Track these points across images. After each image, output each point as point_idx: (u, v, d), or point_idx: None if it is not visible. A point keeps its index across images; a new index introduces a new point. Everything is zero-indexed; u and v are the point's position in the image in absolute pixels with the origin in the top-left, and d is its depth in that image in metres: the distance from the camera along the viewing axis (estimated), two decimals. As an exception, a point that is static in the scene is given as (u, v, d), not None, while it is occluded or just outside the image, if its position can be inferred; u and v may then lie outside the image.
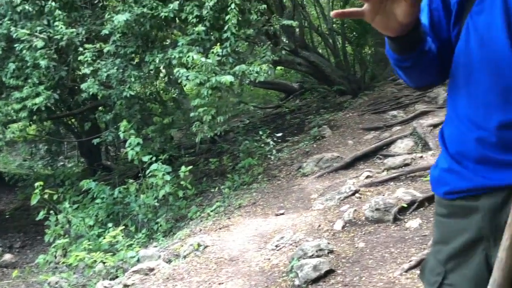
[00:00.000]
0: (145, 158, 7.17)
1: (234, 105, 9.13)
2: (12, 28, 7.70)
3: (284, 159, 8.33)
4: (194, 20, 7.50)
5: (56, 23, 7.65)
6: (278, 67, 14.02)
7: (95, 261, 5.90)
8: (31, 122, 8.86)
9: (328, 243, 4.66)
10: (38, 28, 7.81)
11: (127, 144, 7.39)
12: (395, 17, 1.33)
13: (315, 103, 12.81)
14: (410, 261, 4.06)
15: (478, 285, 1.42)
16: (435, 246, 1.57)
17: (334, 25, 13.58)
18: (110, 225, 7.04)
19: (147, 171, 7.11)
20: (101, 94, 7.85)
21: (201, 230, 6.17)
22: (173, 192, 7.09)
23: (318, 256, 4.44)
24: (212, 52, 7.09)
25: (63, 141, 12.66)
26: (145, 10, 7.49)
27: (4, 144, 8.72)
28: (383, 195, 5.48)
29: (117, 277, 5.64)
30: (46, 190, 7.23)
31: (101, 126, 10.69)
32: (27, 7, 7.77)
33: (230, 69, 7.33)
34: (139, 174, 7.59)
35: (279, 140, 9.03)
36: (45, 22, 7.98)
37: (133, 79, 7.73)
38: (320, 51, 14.11)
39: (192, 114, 7.43)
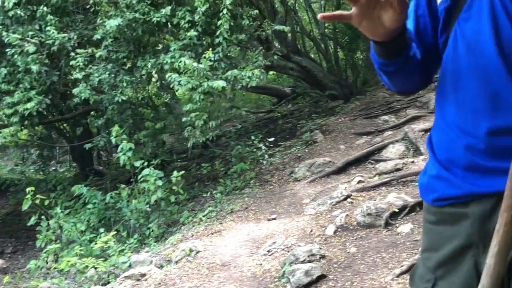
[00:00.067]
0: (137, 163, 7.16)
1: (226, 110, 9.14)
2: (4, 33, 7.68)
3: (276, 164, 8.33)
4: (186, 25, 7.51)
5: (48, 28, 7.64)
6: (270, 72, 14.03)
7: (86, 266, 5.88)
8: (22, 127, 8.83)
9: (320, 248, 4.67)
10: (30, 33, 7.80)
11: (119, 149, 7.38)
12: (382, 23, 1.34)
13: (307, 108, 12.83)
14: (402, 266, 4.07)
15: (467, 291, 1.44)
16: (424, 253, 1.58)
17: (326, 30, 13.63)
18: (101, 230, 7.03)
19: (139, 176, 7.10)
20: (93, 99, 7.85)
21: (193, 235, 6.16)
22: (165, 197, 7.08)
23: (310, 261, 4.45)
24: (204, 57, 7.10)
25: (55, 146, 12.62)
26: (137, 15, 7.49)
27: (-4, 149, 8.70)
28: (375, 200, 5.49)
29: (108, 282, 5.62)
30: (38, 195, 7.20)
31: (93, 131, 10.67)
32: (18, 12, 7.76)
33: (222, 74, 7.34)
34: (131, 179, 7.58)
35: (271, 145, 9.04)
36: (37, 27, 7.97)
37: (125, 84, 7.73)
38: (312, 56, 14.14)
39: (184, 119, 7.43)
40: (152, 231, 6.89)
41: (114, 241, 6.45)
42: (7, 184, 11.29)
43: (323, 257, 4.56)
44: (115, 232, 6.90)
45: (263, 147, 8.39)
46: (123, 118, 8.38)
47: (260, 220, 6.16)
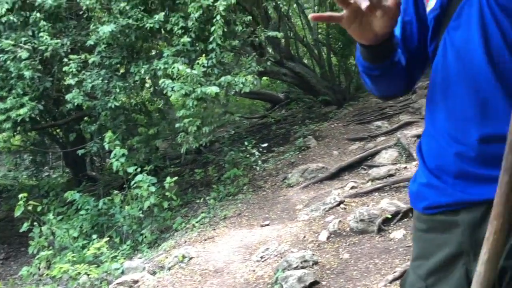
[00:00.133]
0: (130, 169, 7.14)
1: (220, 115, 9.15)
2: (-3, 39, 7.69)
3: (269, 169, 8.34)
4: (180, 31, 7.52)
5: (41, 34, 7.63)
6: (264, 77, 14.05)
7: (79, 273, 5.85)
8: (15, 133, 8.81)
9: (313, 254, 4.67)
10: (23, 39, 7.79)
11: (112, 155, 7.37)
12: (371, 27, 1.35)
13: (300, 113, 12.84)
14: (394, 272, 4.08)
15: (458, 299, 1.44)
16: (415, 261, 1.58)
17: (319, 36, 13.65)
18: (94, 236, 7.00)
19: (132, 182, 7.09)
20: (86, 105, 7.84)
21: (186, 241, 6.16)
22: (158, 203, 7.07)
23: (303, 268, 4.45)
24: (198, 63, 7.11)
25: (48, 151, 12.58)
26: (130, 21, 7.49)
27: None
28: (368, 206, 5.50)
29: (101, 289, 5.62)
30: (30, 202, 7.18)
31: (86, 136, 10.65)
32: (11, 18, 7.75)
33: (215, 80, 7.35)
34: (124, 185, 7.56)
35: (265, 151, 9.05)
36: (30, 33, 7.96)
37: (118, 90, 7.73)
38: (305, 61, 14.16)
39: (177, 125, 7.43)
40: (145, 237, 6.88)
41: (106, 248, 6.43)
42: (-1, 190, 11.27)
43: (316, 263, 4.57)
44: (108, 238, 6.88)
45: (257, 153, 8.39)
46: (116, 124, 8.37)
47: (253, 226, 6.16)
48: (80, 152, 8.92)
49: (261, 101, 16.10)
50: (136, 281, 5.18)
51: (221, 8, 7.24)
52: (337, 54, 13.70)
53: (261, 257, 4.99)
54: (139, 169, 7.20)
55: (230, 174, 8.12)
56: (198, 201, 7.89)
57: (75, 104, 7.79)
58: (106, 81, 7.80)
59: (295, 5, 13.55)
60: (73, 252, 6.69)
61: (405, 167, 6.54)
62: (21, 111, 7.55)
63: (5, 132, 8.34)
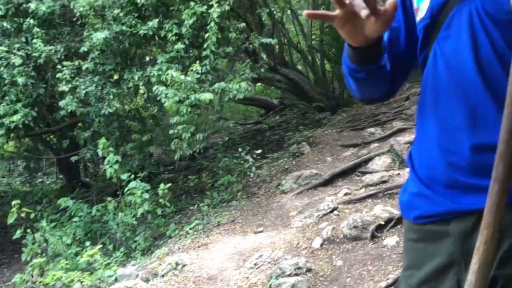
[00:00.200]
0: (124, 176, 7.13)
1: (214, 122, 9.14)
2: (-10, 46, 7.68)
3: (263, 176, 8.34)
4: (174, 38, 7.53)
5: (35, 41, 7.62)
6: (258, 83, 14.08)
7: (72, 280, 5.82)
8: (8, 139, 8.78)
9: (307, 261, 4.67)
10: (16, 46, 7.78)
11: (105, 162, 7.35)
12: (363, 30, 1.35)
13: (294, 120, 12.87)
14: (388, 279, 4.08)
15: (449, 309, 1.44)
16: (406, 271, 1.59)
17: (313, 42, 13.69)
18: (88, 243, 6.97)
19: (126, 189, 7.07)
20: (79, 111, 7.83)
21: (179, 248, 6.14)
22: (152, 210, 7.06)
23: (296, 275, 4.45)
24: (192, 70, 7.11)
25: (41, 158, 12.56)
26: (124, 28, 7.50)
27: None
28: (361, 213, 5.51)
29: (94, 296, 5.60)
30: (23, 209, 7.15)
31: (80, 143, 10.64)
32: (5, 24, 7.75)
33: (209, 87, 7.35)
34: (118, 192, 7.55)
35: (259, 157, 9.05)
36: (23, 39, 7.96)
37: (111, 97, 7.72)
38: (299, 67, 14.20)
39: (171, 132, 7.43)
40: (139, 244, 6.86)
41: (100, 255, 6.41)
42: (-8, 196, 11.23)
43: (309, 270, 4.57)
44: (101, 245, 6.86)
45: (250, 159, 8.39)
46: (110, 131, 8.36)
47: (247, 233, 6.15)
48: (73, 158, 8.90)
49: (256, 107, 16.12)
50: (129, 289, 5.16)
51: (215, 15, 7.26)
52: (330, 61, 13.75)
53: (255, 264, 4.98)
54: (132, 176, 7.19)
55: (224, 181, 8.11)
56: (192, 207, 7.88)
57: (69, 110, 7.77)
58: (99, 88, 7.79)
59: (289, 11, 13.60)
60: (66, 259, 6.66)
61: (398, 174, 6.55)
62: (15, 117, 7.53)
63: (-1, 139, 8.33)
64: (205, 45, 7.49)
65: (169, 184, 7.38)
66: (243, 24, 8.50)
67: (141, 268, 5.88)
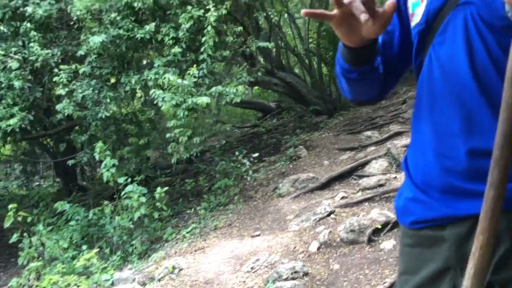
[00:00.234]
0: (121, 180, 7.12)
1: (211, 125, 9.14)
2: (-13, 49, 7.67)
3: (260, 179, 8.34)
4: (171, 41, 7.53)
5: (31, 44, 7.62)
6: (255, 87, 14.09)
7: (69, 284, 5.81)
8: (5, 143, 8.76)
9: (303, 265, 4.67)
10: (13, 49, 7.78)
11: (102, 166, 7.34)
12: (359, 31, 1.35)
13: (291, 123, 12.88)
14: (384, 282, 4.09)
15: (445, 314, 1.44)
16: (402, 276, 1.59)
17: (310, 46, 13.71)
18: (84, 247, 6.96)
19: (123, 193, 7.06)
20: (76, 115, 7.82)
21: (176, 252, 6.14)
22: (149, 214, 7.05)
23: (293, 279, 4.45)
24: (189, 74, 7.11)
25: (38, 161, 12.54)
26: (121, 31, 7.50)
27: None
28: (358, 216, 5.51)
29: (91, 300, 5.59)
30: (20, 212, 7.14)
31: (77, 146, 10.62)
32: (2, 28, 7.75)
33: (206, 90, 7.35)
34: (115, 196, 7.54)
35: (256, 160, 9.04)
36: (20, 43, 7.96)
37: (108, 100, 7.72)
38: (296, 71, 14.21)
39: (168, 135, 7.43)
40: (135, 248, 6.85)
41: (96, 258, 6.39)
42: (-11, 200, 11.21)
43: (306, 274, 4.57)
44: (98, 249, 6.84)
45: (247, 163, 8.39)
46: (107, 134, 8.35)
47: (243, 237, 6.15)
48: (70, 162, 8.89)
49: (253, 110, 16.14)
50: (126, 293, 5.16)
51: (212, 19, 7.27)
52: (327, 64, 13.75)
53: (252, 268, 4.98)
54: (129, 180, 7.18)
55: (221, 184, 8.11)
56: (188, 211, 7.87)
57: (66, 114, 7.77)
58: (96, 91, 7.78)
59: (286, 15, 13.61)
60: (63, 263, 6.65)
61: (395, 177, 6.56)
62: (11, 121, 7.52)
63: (-5, 143, 8.32)
64: (202, 49, 7.49)
65: (166, 188, 7.37)
66: (240, 28, 8.51)
67: (138, 272, 5.87)
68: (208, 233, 6.57)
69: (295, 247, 5.27)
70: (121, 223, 7.00)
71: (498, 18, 1.30)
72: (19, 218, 7.13)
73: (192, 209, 7.80)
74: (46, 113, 9.62)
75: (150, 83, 7.37)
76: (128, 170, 8.07)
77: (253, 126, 14.52)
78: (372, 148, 8.30)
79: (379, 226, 5.07)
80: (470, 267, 1.29)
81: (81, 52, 7.68)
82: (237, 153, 8.65)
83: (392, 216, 5.21)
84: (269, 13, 10.20)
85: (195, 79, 7.22)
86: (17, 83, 7.54)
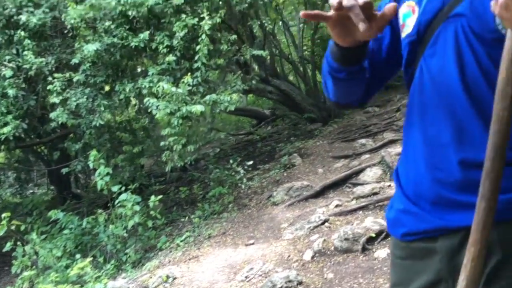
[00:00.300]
0: (115, 188, 7.10)
1: (206, 133, 9.13)
2: (-20, 57, 7.66)
3: (254, 187, 8.33)
4: (165, 50, 7.53)
5: (25, 53, 7.61)
6: (250, 94, 14.11)
7: (62, 293, 5.80)
8: (-1, 151, 8.76)
9: (297, 274, 4.66)
10: (7, 58, 7.76)
11: (96, 174, 7.32)
12: (354, 33, 1.34)
13: (286, 130, 12.88)
14: (378, 292, 4.08)
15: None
16: (394, 288, 1.59)
17: (304, 53, 13.73)
18: (78, 256, 6.93)
19: (116, 201, 7.04)
20: (70, 123, 7.80)
21: (170, 261, 6.12)
22: (143, 222, 7.03)
23: (287, 288, 4.44)
24: (183, 82, 7.12)
25: (32, 169, 12.51)
26: (115, 40, 7.50)
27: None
28: (352, 225, 5.51)
29: (84, 310, 5.56)
30: (14, 221, 7.11)
31: (71, 154, 10.60)
32: (-5, 36, 7.75)
33: (200, 98, 7.35)
34: (108, 204, 7.52)
35: (250, 168, 9.04)
36: (14, 51, 7.94)
37: (103, 108, 7.71)
38: (290, 78, 14.23)
39: (162, 143, 7.42)
40: (129, 256, 6.82)
41: (90, 267, 6.36)
42: (-18, 208, 11.14)
43: (300, 283, 4.56)
44: (92, 258, 6.82)
45: (242, 171, 8.39)
46: (101, 142, 8.33)
47: (238, 245, 6.13)
48: (64, 170, 8.87)
49: (248, 118, 16.14)
50: (119, 302, 5.14)
51: (206, 28, 7.28)
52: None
53: (246, 277, 4.97)
54: (123, 188, 7.16)
55: (215, 192, 8.10)
56: (183, 219, 7.85)
57: (60, 122, 7.75)
58: (90, 100, 7.77)
59: (280, 23, 13.64)
60: (56, 272, 6.61)
61: (389, 185, 6.57)
62: (5, 129, 7.50)
63: (-11, 151, 8.30)
64: (196, 57, 7.50)
65: (160, 196, 7.36)
66: (234, 36, 8.52)
67: (132, 281, 5.85)
68: (202, 241, 6.56)
69: (289, 256, 5.26)
70: (115, 232, 6.97)
71: (488, 30, 1.31)
72: (13, 227, 7.10)
73: (186, 218, 7.79)
74: (40, 121, 9.60)
75: (144, 91, 7.36)
76: (122, 178, 8.05)
77: (247, 133, 14.52)
78: (366, 156, 8.31)
79: (373, 235, 5.07)
80: (462, 279, 1.29)
81: (75, 60, 7.67)
82: (231, 161, 8.65)
83: (386, 224, 5.20)
84: (263, 21, 10.22)
85: (189, 87, 7.22)
86: (11, 92, 7.52)
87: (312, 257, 5.11)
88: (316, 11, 1.32)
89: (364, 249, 4.96)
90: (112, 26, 7.55)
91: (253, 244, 6.06)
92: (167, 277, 5.38)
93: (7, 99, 7.71)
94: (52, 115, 7.72)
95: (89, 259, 6.58)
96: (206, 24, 7.29)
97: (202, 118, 7.89)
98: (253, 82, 9.46)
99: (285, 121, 14.25)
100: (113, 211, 7.23)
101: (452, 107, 1.38)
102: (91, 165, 7.45)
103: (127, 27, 7.69)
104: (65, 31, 8.38)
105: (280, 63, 13.85)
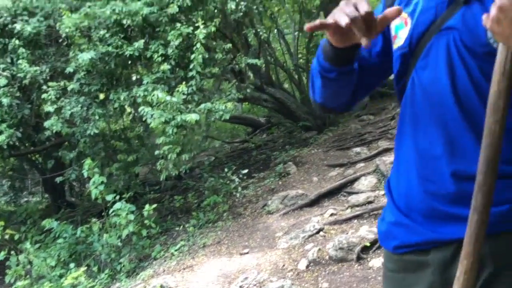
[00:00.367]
0: (109, 197, 7.08)
1: (201, 141, 9.12)
2: (-25, 66, 7.64)
3: (249, 196, 8.32)
4: (160, 58, 7.53)
5: (20, 61, 7.60)
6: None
7: (56, 303, 5.78)
8: (-7, 159, 8.73)
9: (292, 284, 4.65)
10: (1, 66, 7.75)
11: (91, 183, 7.30)
12: (354, 38, 1.32)
13: (281, 139, 12.87)
14: (373, 301, 4.08)
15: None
16: (386, 301, 1.59)
17: (299, 61, 13.75)
18: (72, 265, 6.90)
19: (111, 210, 7.02)
20: (64, 131, 7.78)
21: (164, 270, 6.10)
22: (137, 231, 7.01)
23: (281, 297, 4.43)
24: (178, 91, 7.11)
25: (26, 178, 12.47)
26: (110, 48, 7.49)
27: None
28: (347, 234, 5.50)
29: (78, 320, 5.53)
30: (7, 230, 7.08)
31: (65, 162, 10.57)
32: (-10, 45, 7.74)
33: (195, 107, 7.35)
34: (103, 213, 7.50)
35: (245, 177, 9.02)
36: (9, 60, 7.92)
37: (97, 117, 7.69)
38: (286, 86, 14.24)
39: (157, 152, 7.41)
40: (123, 266, 6.79)
41: (84, 277, 6.34)
42: (-24, 216, 11.10)
43: (295, 292, 4.55)
44: (86, 267, 6.79)
45: (237, 179, 8.37)
46: (95, 151, 8.32)
47: (232, 255, 6.12)
48: (58, 179, 8.85)
49: (243, 125, 16.13)
50: (113, 312, 5.12)
51: (201, 36, 7.29)
52: (317, 80, 13.74)
53: (240, 287, 4.95)
54: (118, 197, 7.14)
55: (210, 201, 8.08)
56: (177, 228, 7.83)
57: (54, 131, 7.73)
58: (85, 108, 7.76)
59: (275, 30, 13.66)
60: (50, 281, 6.59)
61: (384, 194, 6.56)
62: (-1, 138, 7.49)
63: (-17, 159, 8.28)
64: (191, 66, 7.50)
65: (155, 205, 7.35)
66: (229, 45, 8.53)
67: (126, 291, 5.84)
68: (196, 250, 6.54)
69: (284, 265, 5.25)
70: (109, 241, 6.95)
71: (480, 44, 1.32)
72: (7, 236, 7.08)
73: (181, 226, 7.77)
74: (35, 129, 9.58)
75: (139, 100, 7.35)
76: (117, 187, 8.03)
77: (242, 141, 14.51)
78: (361, 164, 8.31)
79: (368, 244, 5.07)
80: (455, 292, 1.29)
81: (69, 69, 7.67)
82: (226, 169, 8.63)
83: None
84: (258, 29, 10.24)
85: (184, 96, 7.22)
86: (5, 100, 7.50)
87: (307, 266, 5.10)
88: (319, 22, 1.30)
89: (359, 258, 4.95)
90: (107, 35, 7.55)
91: (247, 253, 6.05)
92: (162, 286, 5.36)
93: (1, 108, 7.69)
94: (47, 123, 7.70)
95: (83, 268, 6.56)
96: (201, 33, 7.30)
97: (197, 127, 7.88)
98: (248, 90, 9.46)
99: (280, 129, 14.25)
100: (108, 220, 7.21)
101: (443, 119, 1.39)
102: (85, 174, 7.43)
103: (122, 35, 7.69)
104: (60, 40, 8.37)
105: (275, 71, 13.87)
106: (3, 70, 7.72)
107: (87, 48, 7.57)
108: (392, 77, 1.64)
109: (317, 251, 5.25)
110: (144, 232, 7.07)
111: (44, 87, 7.71)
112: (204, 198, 8.40)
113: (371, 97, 13.49)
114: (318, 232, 5.88)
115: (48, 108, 7.59)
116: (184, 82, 7.29)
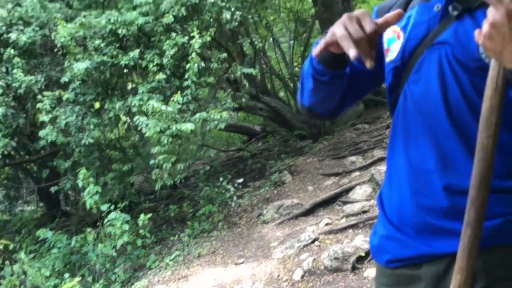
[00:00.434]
0: (104, 207, 7.06)
1: (197, 150, 9.12)
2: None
3: (244, 205, 8.31)
4: (155, 68, 7.54)
5: (15, 71, 7.59)
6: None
7: (50, 313, 5.75)
8: (-13, 169, 8.71)
9: (287, 294, 4.65)
10: (-4, 76, 7.76)
11: (85, 192, 7.28)
12: None
13: (276, 147, 12.88)
14: (368, 312, 4.07)
15: None
16: (379, 315, 1.59)
17: (295, 70, 13.77)
18: (67, 275, 6.87)
19: (106, 220, 7.00)
20: (59, 141, 7.77)
21: (159, 280, 6.08)
22: (132, 241, 6.99)
23: (276, 308, 4.42)
24: (173, 100, 7.12)
25: (21, 187, 12.44)
26: (105, 58, 7.49)
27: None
28: (342, 243, 5.50)
29: (73, 330, 5.51)
30: (2, 240, 7.06)
31: (60, 171, 10.54)
32: (-15, 54, 7.73)
33: (190, 116, 7.35)
34: (98, 223, 7.48)
35: (240, 186, 9.01)
36: (4, 69, 7.92)
37: (92, 127, 7.69)
38: (281, 94, 14.26)
39: (151, 162, 7.40)
40: (118, 276, 6.77)
41: (79, 287, 6.32)
42: (-29, 226, 11.06)
43: (290, 303, 4.54)
44: (80, 277, 6.76)
45: (232, 189, 8.36)
46: (90, 161, 8.30)
47: (227, 265, 6.10)
48: (53, 189, 8.83)
49: (238, 134, 16.14)
50: (108, 323, 5.09)
51: (196, 46, 7.29)
52: (312, 89, 13.76)
53: (235, 297, 4.95)
54: (112, 206, 7.12)
55: (205, 210, 8.06)
56: (172, 238, 7.81)
57: (49, 140, 7.72)
58: (80, 118, 7.75)
59: (270, 39, 13.70)
60: (44, 291, 6.57)
61: (379, 204, 6.56)
62: (-6, 148, 7.47)
63: (-23, 168, 8.25)
64: (186, 75, 7.50)
65: (150, 215, 7.33)
66: (224, 54, 8.54)
67: (121, 301, 5.81)
68: (191, 260, 6.52)
69: (279, 275, 5.24)
70: (104, 251, 6.93)
71: (472, 59, 1.32)
72: (1, 246, 7.05)
73: (176, 236, 7.75)
74: (30, 138, 9.57)
75: (134, 110, 7.35)
76: (112, 196, 8.01)
77: (238, 150, 14.51)
78: (356, 173, 8.31)
79: (363, 254, 5.06)
80: (448, 306, 1.29)
81: (65, 79, 7.66)
82: (221, 178, 8.62)
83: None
84: (254, 39, 10.26)
85: (179, 106, 7.22)
86: (0, 110, 7.49)
87: (302, 277, 5.09)
88: (324, 44, 1.31)
89: (354, 268, 4.94)
90: (102, 45, 7.55)
91: (243, 263, 6.03)
92: (156, 297, 5.35)
93: (-4, 118, 7.69)
94: (42, 133, 7.69)
95: (77, 278, 6.53)
96: (196, 42, 7.31)
97: (192, 136, 7.88)
98: (243, 99, 9.47)
99: (275, 137, 14.26)
100: (102, 229, 7.19)
101: (435, 133, 1.39)
102: (80, 184, 7.41)
103: (117, 45, 7.69)
104: (55, 49, 8.37)
105: (270, 80, 13.89)
106: (-2, 79, 7.71)
107: (82, 57, 7.57)
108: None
109: (312, 261, 5.24)
110: (139, 242, 7.05)
111: (39, 96, 7.70)
112: (199, 207, 8.39)
113: (366, 106, 13.52)
114: (313, 242, 5.87)
115: (43, 117, 7.58)
116: (179, 92, 7.29)
